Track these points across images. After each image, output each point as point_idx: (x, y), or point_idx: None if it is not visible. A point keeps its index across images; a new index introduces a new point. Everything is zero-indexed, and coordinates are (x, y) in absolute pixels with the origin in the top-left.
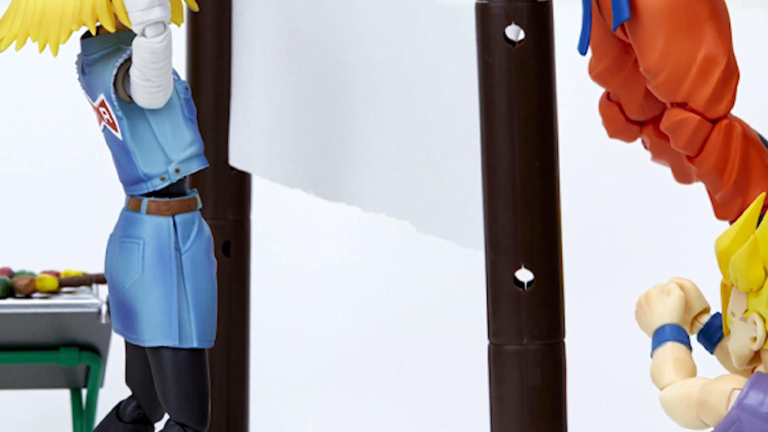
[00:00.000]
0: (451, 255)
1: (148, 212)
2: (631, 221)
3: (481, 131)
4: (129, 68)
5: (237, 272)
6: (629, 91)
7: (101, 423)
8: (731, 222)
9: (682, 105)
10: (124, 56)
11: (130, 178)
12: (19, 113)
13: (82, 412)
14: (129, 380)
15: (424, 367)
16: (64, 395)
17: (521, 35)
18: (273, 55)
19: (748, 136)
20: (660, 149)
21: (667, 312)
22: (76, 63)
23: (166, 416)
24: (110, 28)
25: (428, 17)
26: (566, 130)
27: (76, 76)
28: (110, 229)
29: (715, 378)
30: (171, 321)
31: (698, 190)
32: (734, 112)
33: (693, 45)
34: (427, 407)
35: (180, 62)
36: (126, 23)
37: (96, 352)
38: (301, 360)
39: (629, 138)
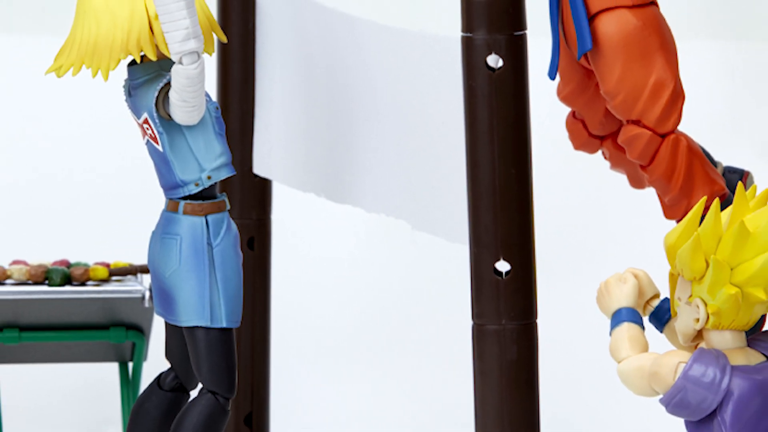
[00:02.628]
0: (440, 249)
1: (185, 213)
2: (593, 221)
3: (466, 144)
4: (168, 91)
5: (260, 264)
6: (591, 111)
7: (144, 391)
8: (678, 221)
9: (636, 122)
10: (164, 81)
11: (169, 184)
12: (76, 129)
13: (128, 382)
14: (168, 355)
15: (418, 344)
16: (113, 367)
17: (500, 63)
18: (290, 80)
19: (692, 148)
20: (617, 159)
21: (623, 297)
22: (124, 86)
23: (200, 385)
24: (152, 57)
25: (421, 48)
26: (538, 143)
27: (124, 97)
28: (152, 227)
29: (664, 353)
30: (204, 305)
31: (650, 194)
32: (680, 128)
33: (645, 72)
34: (420, 377)
35: (211, 86)
36: (166, 53)
37: (140, 331)
38: (314, 337)
39: (591, 150)
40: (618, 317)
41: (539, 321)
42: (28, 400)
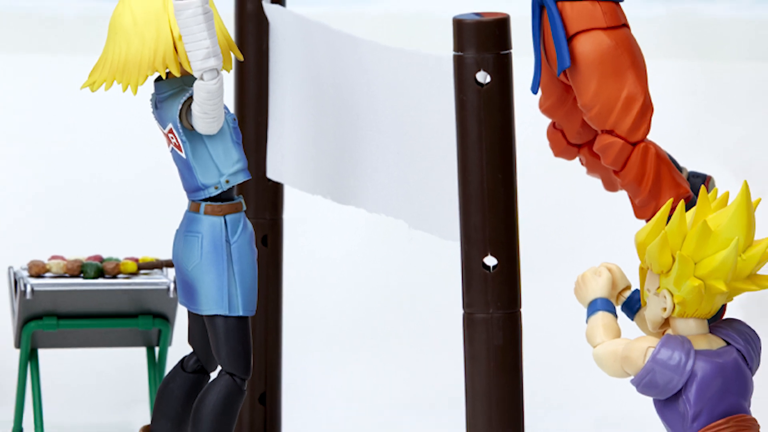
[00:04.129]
0: (434, 246)
1: (205, 213)
2: (571, 220)
3: (457, 151)
4: (191, 104)
5: (272, 259)
6: (570, 122)
7: (169, 373)
8: (647, 220)
9: (610, 132)
10: (187, 95)
11: (192, 187)
12: (109, 137)
13: (155, 365)
14: (190, 340)
15: (414, 330)
16: (141, 352)
17: (488, 79)
18: (299, 94)
19: (660, 155)
20: (593, 165)
21: (598, 288)
22: (150, 100)
23: (219, 368)
24: (176, 73)
25: (418, 65)
26: (522, 151)
27: (150, 110)
28: (176, 226)
29: (634, 339)
30: (223, 295)
31: (622, 196)
32: (649, 137)
33: (618, 87)
34: (416, 360)
35: (229, 99)
36: (188, 70)
37: (166, 319)
38: (321, 325)
39: (570, 157)
40: (593, 307)
41: (523, 310)
42: (65, 380)
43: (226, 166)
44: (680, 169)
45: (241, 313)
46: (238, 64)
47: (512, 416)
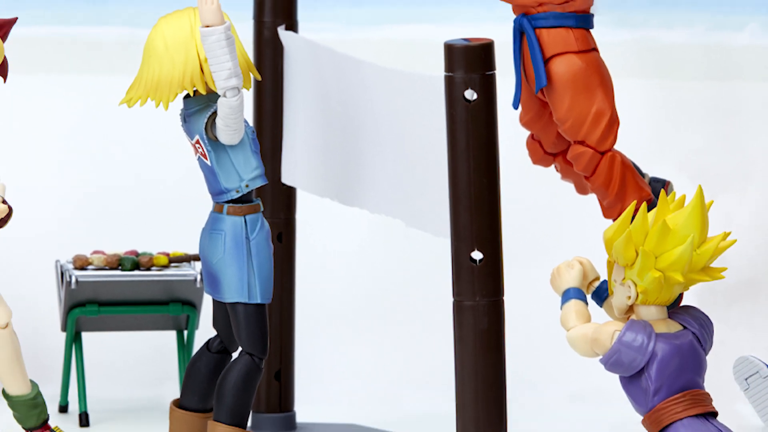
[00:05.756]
0: (428, 242)
1: (228, 213)
2: (548, 219)
3: (448, 159)
4: (215, 118)
5: (286, 253)
6: (546, 133)
7: (196, 353)
8: (614, 220)
9: (581, 142)
10: (212, 110)
11: (216, 191)
12: (142, 147)
13: (183, 346)
14: (215, 324)
15: (410, 316)
16: (171, 335)
17: (475, 96)
18: (310, 109)
19: (625, 162)
20: (567, 172)
21: (571, 279)
22: (180, 115)
23: (239, 348)
24: (203, 91)
25: (414, 84)
26: (505, 159)
27: (180, 123)
28: (202, 225)
29: (603, 323)
30: (243, 285)
31: (592, 199)
32: (616, 147)
33: (588, 103)
34: (412, 342)
35: (249, 113)
36: (213, 88)
37: (193, 306)
38: (329, 311)
39: (546, 164)
40: (567, 295)
41: (505, 298)
42: (105, 360)
43: (246, 173)
44: (643, 174)
45: (259, 301)
46: (257, 83)
47: (496, 390)
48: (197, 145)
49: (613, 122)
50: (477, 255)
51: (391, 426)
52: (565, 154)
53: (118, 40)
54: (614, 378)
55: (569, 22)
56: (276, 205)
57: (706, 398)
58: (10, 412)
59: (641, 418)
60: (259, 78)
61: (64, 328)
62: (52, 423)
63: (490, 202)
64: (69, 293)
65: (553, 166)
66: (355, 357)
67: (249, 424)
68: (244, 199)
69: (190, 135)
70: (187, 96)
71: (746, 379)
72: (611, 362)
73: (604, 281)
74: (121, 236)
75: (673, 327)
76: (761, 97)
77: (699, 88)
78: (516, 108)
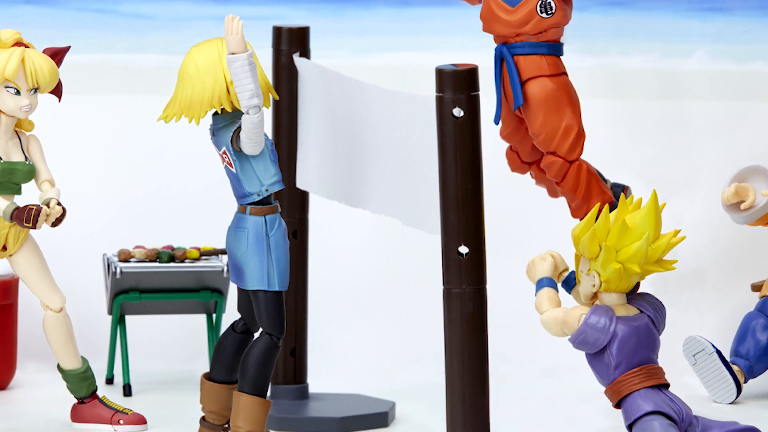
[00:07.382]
0: (421, 238)
1: (250, 214)
2: (524, 219)
3: (439, 167)
4: (239, 132)
5: (301, 248)
6: (523, 145)
7: (223, 333)
8: (580, 219)
9: (553, 153)
10: (237, 125)
11: (240, 194)
12: (178, 158)
13: (212, 327)
14: (239, 308)
15: (407, 302)
16: (202, 318)
17: (461, 113)
18: (321, 124)
19: (591, 170)
20: (540, 178)
21: (544, 270)
22: (209, 129)
23: (260, 329)
24: (229, 109)
25: (409, 103)
26: (487, 167)
27: (209, 136)
28: (229, 223)
29: (571, 308)
30: (263, 275)
31: (561, 201)
32: (583, 157)
33: (559, 119)
34: (408, 324)
35: (269, 128)
36: (238, 107)
37: (221, 293)
38: (337, 297)
39: (523, 171)
40: (540, 284)
41: (488, 286)
42: (146, 340)
43: (266, 179)
44: (605, 180)
45: (277, 288)
46: (275, 102)
47: (479, 366)
48: (224, 156)
49: (580, 136)
50: (463, 249)
51: (391, 396)
52: (539, 163)
53: (156, 66)
54: (581, 354)
55: (542, 50)
56: (292, 206)
57: (660, 372)
58: (64, 383)
59: (604, 389)
60: (277, 98)
61: (110, 312)
62: (99, 393)
63: (475, 203)
64: (114, 282)
65: (528, 173)
66: (359, 337)
67: (269, 393)
68: (264, 202)
69: (218, 147)
70: (216, 113)
71: (694, 356)
72: (578, 341)
73: (573, 272)
74: (159, 233)
75: (632, 311)
76: (706, 114)
77: (653, 106)
78: (497, 123)
